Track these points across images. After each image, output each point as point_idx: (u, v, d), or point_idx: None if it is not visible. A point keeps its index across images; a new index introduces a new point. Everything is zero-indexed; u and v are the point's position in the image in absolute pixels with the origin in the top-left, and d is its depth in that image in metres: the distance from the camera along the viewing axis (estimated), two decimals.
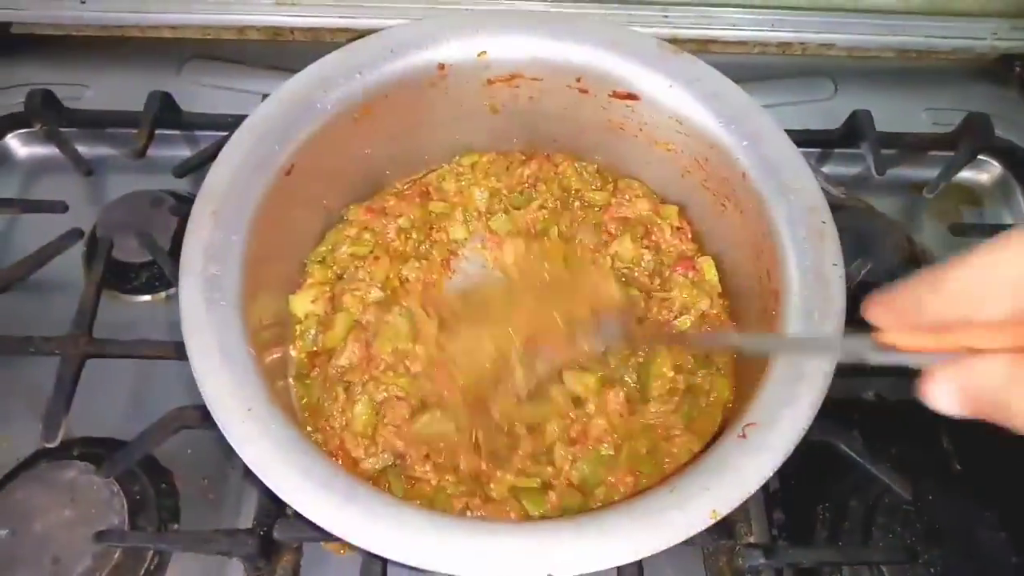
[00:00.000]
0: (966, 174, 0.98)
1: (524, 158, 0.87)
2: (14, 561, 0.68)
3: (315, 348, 0.76)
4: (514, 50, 0.77)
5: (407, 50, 0.76)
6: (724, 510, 0.56)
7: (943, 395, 0.37)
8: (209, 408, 0.59)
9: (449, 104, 0.80)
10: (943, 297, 0.37)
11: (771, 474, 0.57)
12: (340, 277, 0.79)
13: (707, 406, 0.73)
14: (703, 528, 0.55)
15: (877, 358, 0.41)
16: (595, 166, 0.87)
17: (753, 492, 0.57)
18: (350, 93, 0.74)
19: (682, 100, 0.75)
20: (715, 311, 0.78)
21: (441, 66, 0.76)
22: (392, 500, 0.58)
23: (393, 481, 0.69)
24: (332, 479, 0.57)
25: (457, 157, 0.87)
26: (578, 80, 0.78)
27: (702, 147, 0.75)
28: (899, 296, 0.39)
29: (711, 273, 0.79)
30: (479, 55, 0.77)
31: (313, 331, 0.76)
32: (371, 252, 0.79)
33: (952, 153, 0.94)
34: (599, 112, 0.80)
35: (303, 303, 0.77)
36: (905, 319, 0.39)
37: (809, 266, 0.67)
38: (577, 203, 0.86)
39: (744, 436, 0.59)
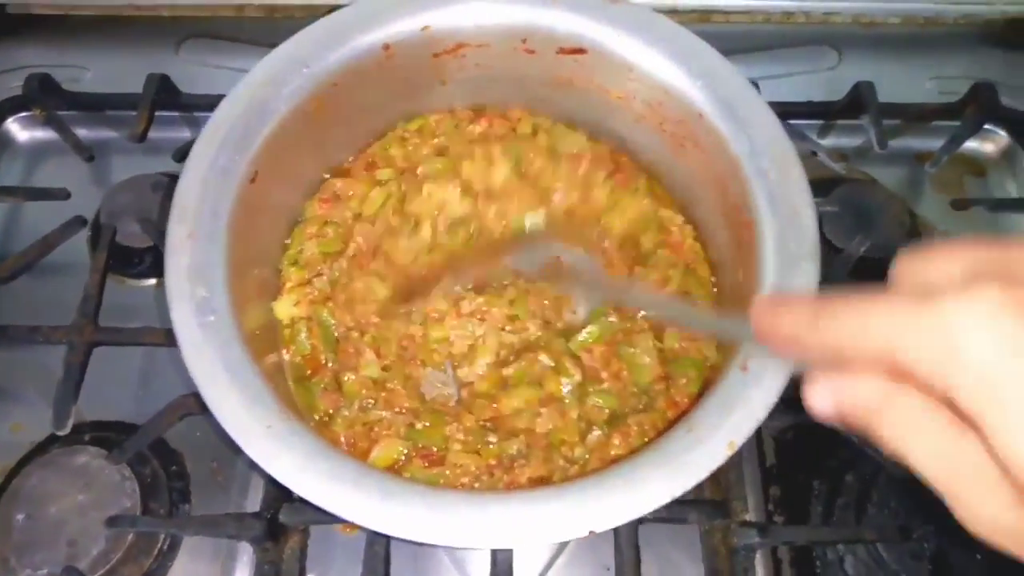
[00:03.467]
0: (971, 144, 0.96)
1: (473, 115, 0.85)
2: (31, 545, 0.71)
3: (309, 352, 0.75)
4: (457, 19, 0.76)
5: (351, 34, 0.74)
6: (740, 440, 0.57)
7: (820, 401, 0.38)
8: (229, 432, 0.59)
9: (397, 82, 0.79)
10: (820, 337, 0.38)
11: (775, 400, 0.59)
12: (318, 275, 0.77)
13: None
14: (724, 461, 0.57)
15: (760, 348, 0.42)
16: (549, 119, 0.85)
17: (763, 419, 0.58)
18: (300, 88, 0.72)
19: (630, 48, 0.74)
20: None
21: (386, 46, 0.75)
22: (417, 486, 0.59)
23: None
24: (363, 478, 0.58)
25: (402, 123, 0.85)
26: (524, 41, 0.76)
27: (655, 92, 0.74)
28: (783, 318, 0.40)
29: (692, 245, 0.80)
30: (423, 29, 0.75)
31: (304, 333, 0.75)
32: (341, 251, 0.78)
33: (957, 123, 0.93)
34: (548, 70, 0.78)
35: (286, 308, 0.75)
36: (787, 342, 0.40)
37: (778, 195, 0.67)
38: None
39: (746, 369, 0.60)
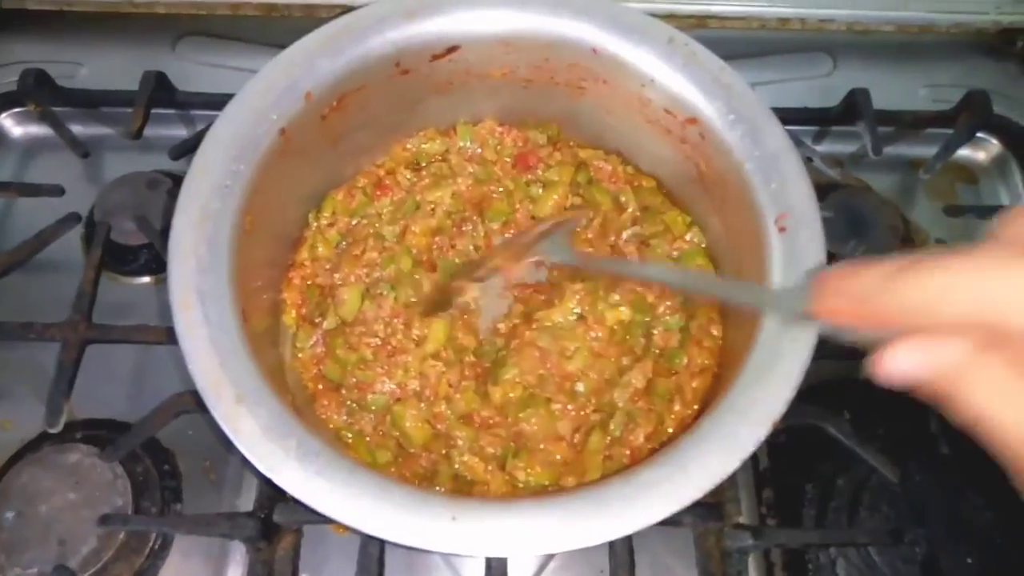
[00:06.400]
0: (963, 152, 0.97)
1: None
2: (21, 543, 0.70)
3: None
4: (331, 70, 0.70)
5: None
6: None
7: (902, 365, 0.36)
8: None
9: (296, 168, 0.74)
10: (898, 298, 0.36)
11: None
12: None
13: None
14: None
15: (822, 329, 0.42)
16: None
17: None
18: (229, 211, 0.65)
19: (501, 21, 0.73)
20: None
21: (282, 131, 0.69)
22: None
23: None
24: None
25: (312, 214, 0.80)
26: (397, 65, 0.73)
27: (538, 51, 0.74)
28: (852, 282, 0.38)
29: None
30: (305, 97, 0.70)
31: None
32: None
33: (950, 131, 0.94)
34: (424, 83, 0.76)
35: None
36: (855, 307, 0.38)
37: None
38: None
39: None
